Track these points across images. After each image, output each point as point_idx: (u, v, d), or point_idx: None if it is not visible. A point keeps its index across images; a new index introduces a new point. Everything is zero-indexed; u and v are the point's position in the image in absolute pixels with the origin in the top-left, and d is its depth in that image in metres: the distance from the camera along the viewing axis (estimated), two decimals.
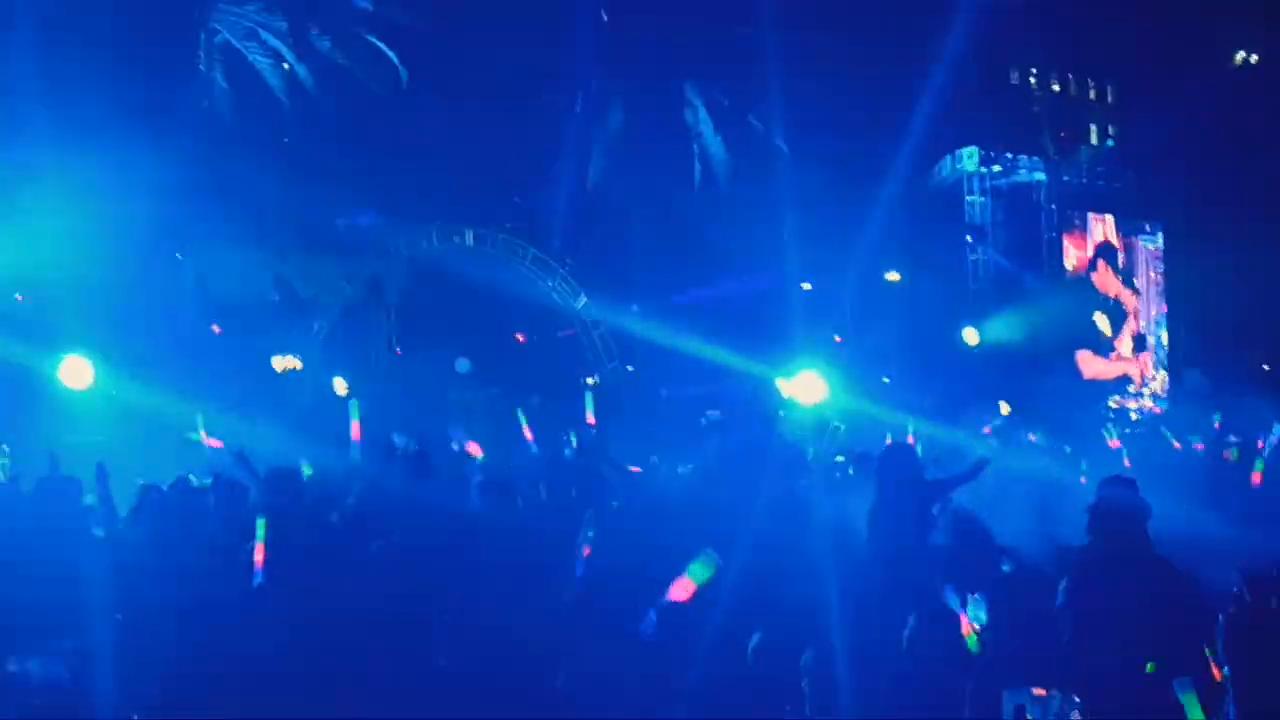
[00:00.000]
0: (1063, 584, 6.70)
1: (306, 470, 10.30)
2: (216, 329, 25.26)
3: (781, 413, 11.37)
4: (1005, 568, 7.42)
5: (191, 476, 10.51)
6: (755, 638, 6.30)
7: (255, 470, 9.50)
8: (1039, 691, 5.37)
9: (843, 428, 13.09)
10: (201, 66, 20.37)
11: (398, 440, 10.78)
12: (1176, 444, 17.42)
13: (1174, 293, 31.59)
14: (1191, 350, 31.83)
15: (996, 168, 30.82)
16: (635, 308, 27.32)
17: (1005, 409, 21.95)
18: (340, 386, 22.48)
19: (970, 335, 28.84)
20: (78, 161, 20.76)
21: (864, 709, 6.01)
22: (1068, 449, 16.82)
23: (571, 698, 6.34)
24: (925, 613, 6.84)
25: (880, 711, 5.72)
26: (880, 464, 9.41)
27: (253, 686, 6.03)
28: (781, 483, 9.99)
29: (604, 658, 6.45)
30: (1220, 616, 5.77)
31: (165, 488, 9.91)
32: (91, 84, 20.86)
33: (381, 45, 22.09)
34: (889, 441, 12.11)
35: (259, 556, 7.37)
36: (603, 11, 32.11)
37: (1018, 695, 5.75)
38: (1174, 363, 31.61)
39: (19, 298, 20.72)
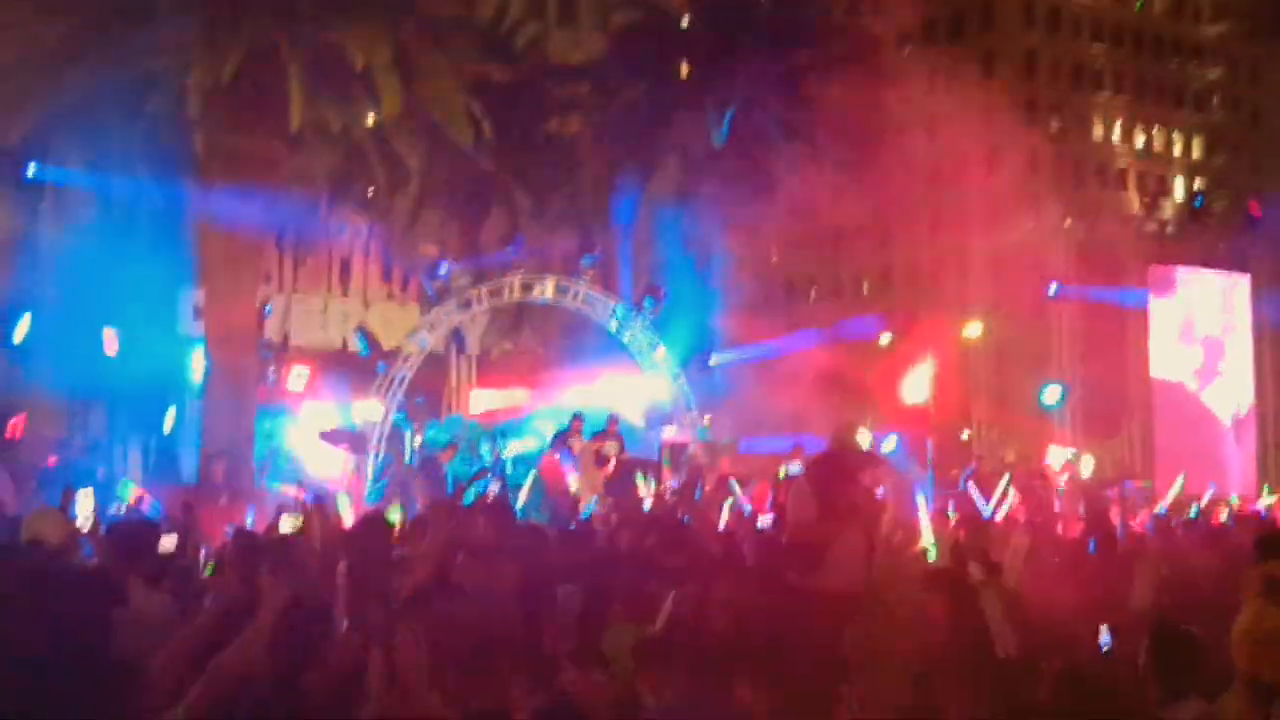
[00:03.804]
0: None
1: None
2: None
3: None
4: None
5: (284, 518, 10.59)
6: None
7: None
8: None
9: None
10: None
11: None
12: None
13: (1262, 345, 31.11)
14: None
15: (1072, 221, 30.49)
16: (714, 359, 27.29)
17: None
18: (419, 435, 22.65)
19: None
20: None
21: None
22: None
23: None
24: None
25: None
26: None
27: None
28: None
29: None
30: None
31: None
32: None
33: (467, 98, 22.35)
34: None
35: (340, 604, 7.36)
36: (682, 65, 32.34)
37: None
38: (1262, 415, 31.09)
39: None
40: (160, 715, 5.53)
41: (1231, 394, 30.02)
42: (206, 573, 9.32)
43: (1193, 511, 16.80)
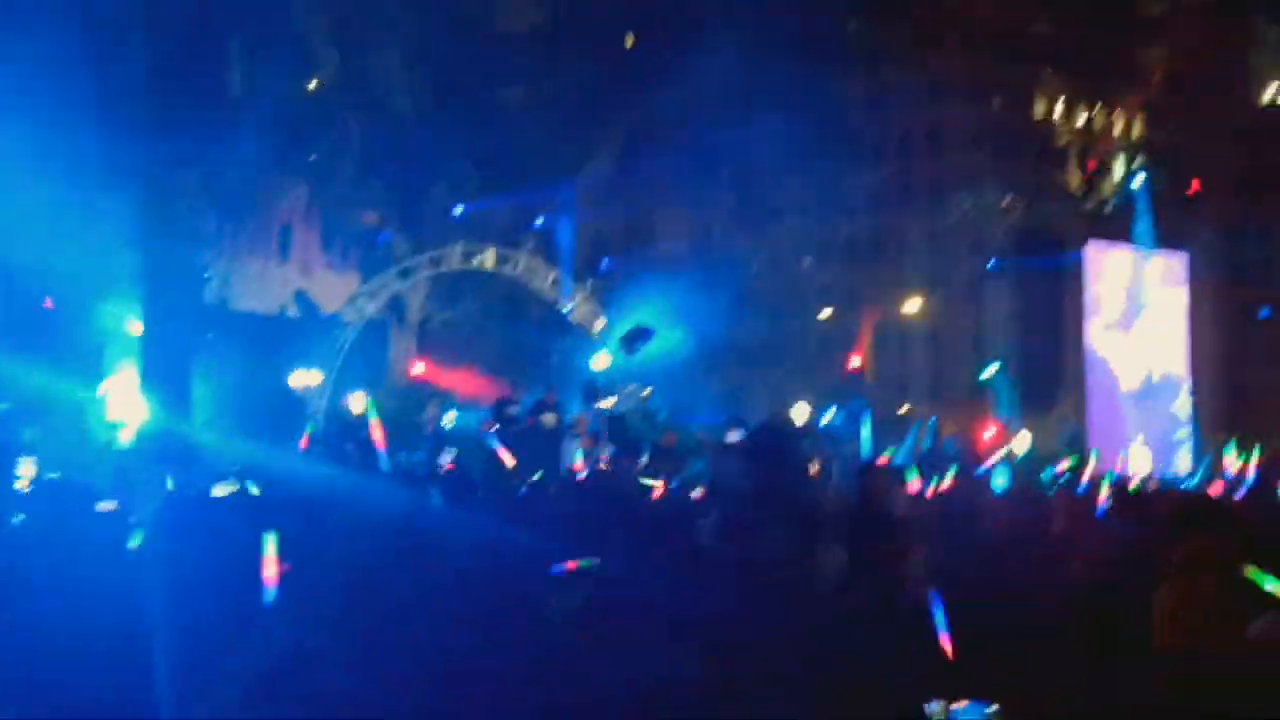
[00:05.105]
0: None
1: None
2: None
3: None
4: None
5: (216, 486, 10.59)
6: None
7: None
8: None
9: None
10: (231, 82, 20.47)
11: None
12: None
13: (1198, 323, 31.52)
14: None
15: (1012, 198, 30.67)
16: (654, 331, 27.32)
17: None
18: (357, 403, 22.55)
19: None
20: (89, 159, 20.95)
21: None
22: None
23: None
24: None
25: None
26: None
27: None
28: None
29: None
30: None
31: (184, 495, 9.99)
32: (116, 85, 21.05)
33: (408, 65, 22.23)
34: None
35: (270, 571, 7.37)
36: (629, 34, 32.29)
37: None
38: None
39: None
40: None
41: (1140, 359, 30.35)
42: (135, 538, 9.28)
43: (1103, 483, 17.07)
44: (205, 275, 24.79)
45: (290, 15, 19.34)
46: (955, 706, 4.91)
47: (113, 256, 23.05)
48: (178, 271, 21.20)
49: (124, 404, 21.22)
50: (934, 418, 27.20)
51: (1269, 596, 6.52)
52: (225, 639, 6.69)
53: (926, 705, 4.98)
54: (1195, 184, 33.71)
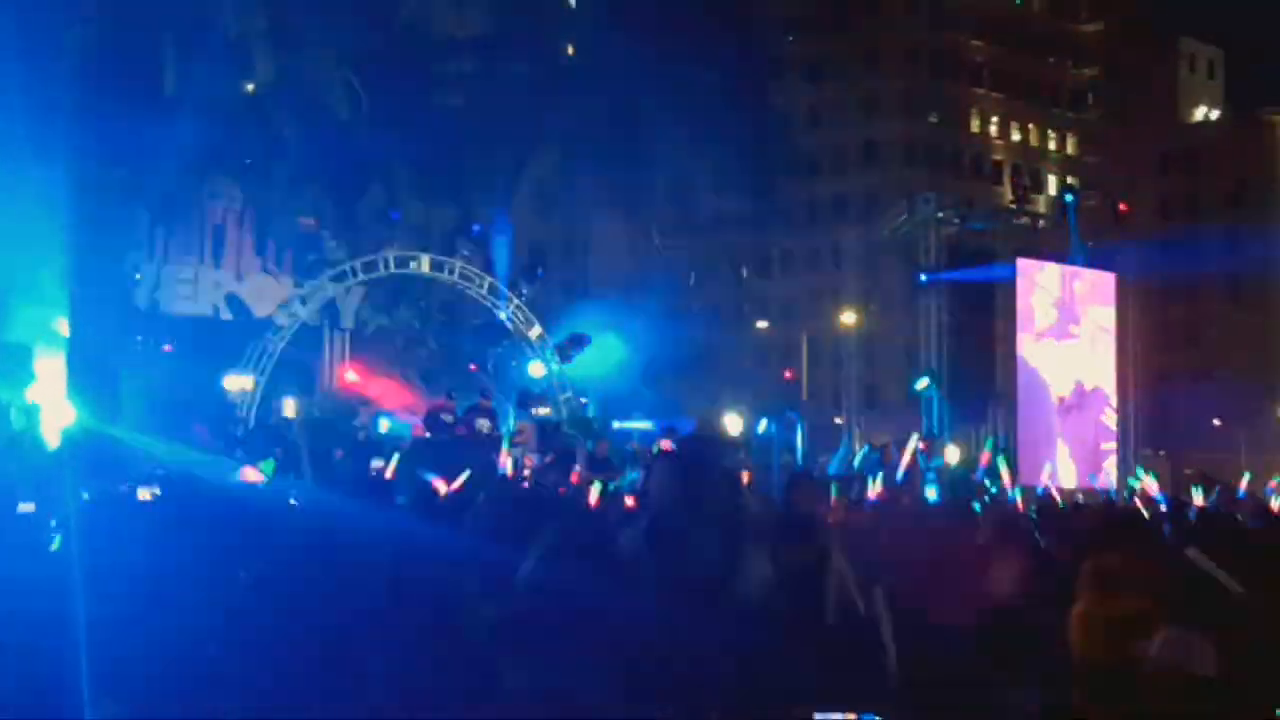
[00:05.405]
0: None
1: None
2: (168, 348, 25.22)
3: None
4: None
5: (140, 488, 10.44)
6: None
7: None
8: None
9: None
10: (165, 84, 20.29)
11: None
12: None
13: (1124, 340, 31.90)
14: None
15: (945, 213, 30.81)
16: (590, 340, 27.35)
17: None
18: (290, 408, 22.44)
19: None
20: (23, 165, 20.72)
21: None
22: None
23: None
24: None
25: None
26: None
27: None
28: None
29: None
30: None
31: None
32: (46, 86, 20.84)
33: (345, 70, 22.13)
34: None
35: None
36: (568, 45, 32.31)
37: None
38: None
39: None
40: None
41: (1069, 373, 30.66)
42: (56, 542, 9.16)
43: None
44: (136, 276, 24.57)
45: (227, 16, 19.21)
46: (851, 717, 4.93)
47: (41, 256, 22.80)
48: (107, 272, 20.97)
49: (49, 405, 20.97)
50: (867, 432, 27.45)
51: (1185, 608, 6.60)
52: (143, 643, 6.63)
53: (826, 715, 5.00)
54: (1123, 205, 34.13)
